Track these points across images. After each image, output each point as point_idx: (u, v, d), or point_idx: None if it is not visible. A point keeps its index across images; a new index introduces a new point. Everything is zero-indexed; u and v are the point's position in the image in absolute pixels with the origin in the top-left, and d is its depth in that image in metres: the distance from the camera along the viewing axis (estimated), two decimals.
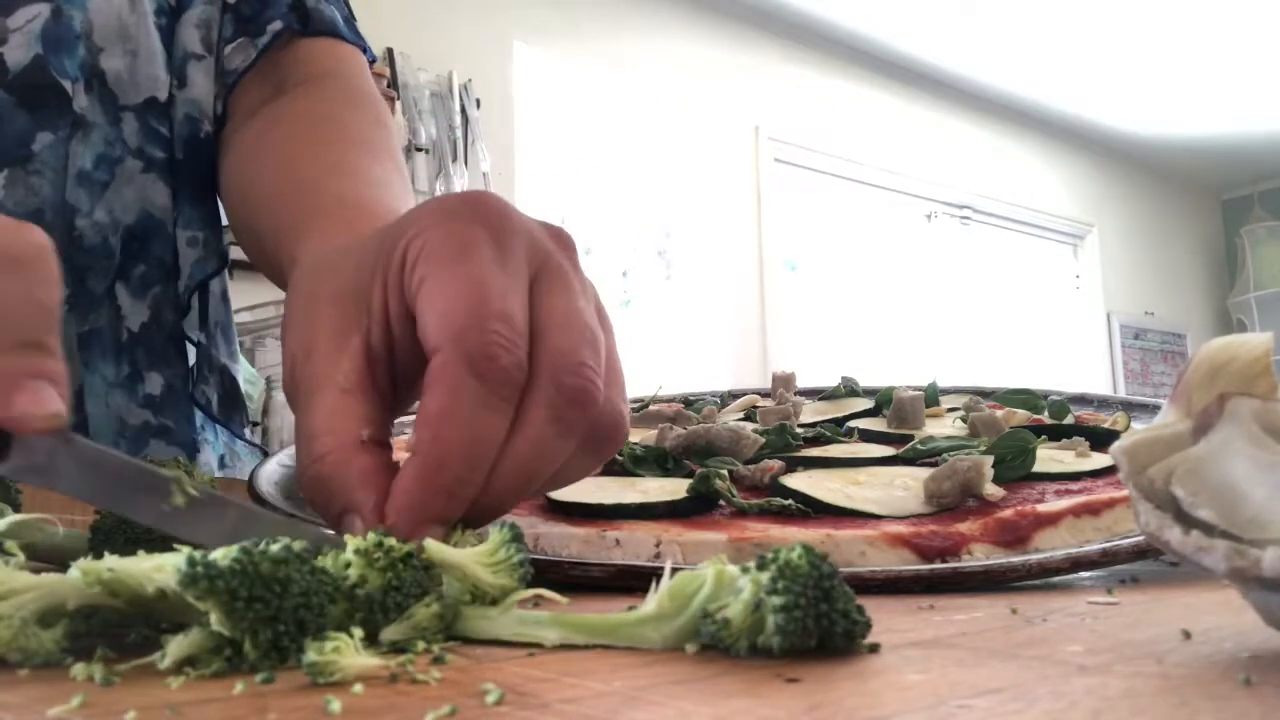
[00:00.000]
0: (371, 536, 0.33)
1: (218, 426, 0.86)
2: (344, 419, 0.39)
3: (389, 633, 0.31)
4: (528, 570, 0.34)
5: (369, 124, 0.76)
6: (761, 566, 0.29)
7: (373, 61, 0.87)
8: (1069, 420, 0.71)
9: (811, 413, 0.77)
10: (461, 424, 0.36)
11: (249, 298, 2.34)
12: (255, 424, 2.63)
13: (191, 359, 0.84)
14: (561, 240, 0.43)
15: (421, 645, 0.31)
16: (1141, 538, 0.45)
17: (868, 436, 0.68)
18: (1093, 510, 0.51)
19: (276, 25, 0.80)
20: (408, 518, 0.36)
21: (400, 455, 0.66)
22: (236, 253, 0.80)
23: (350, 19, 0.87)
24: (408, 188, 0.70)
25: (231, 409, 0.85)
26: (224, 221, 0.83)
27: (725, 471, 0.55)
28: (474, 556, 0.33)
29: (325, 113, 0.76)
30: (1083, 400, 0.82)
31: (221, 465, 0.86)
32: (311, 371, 0.41)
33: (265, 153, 0.74)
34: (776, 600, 0.28)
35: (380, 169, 0.68)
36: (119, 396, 0.78)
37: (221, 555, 0.28)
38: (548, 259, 0.41)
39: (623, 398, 0.42)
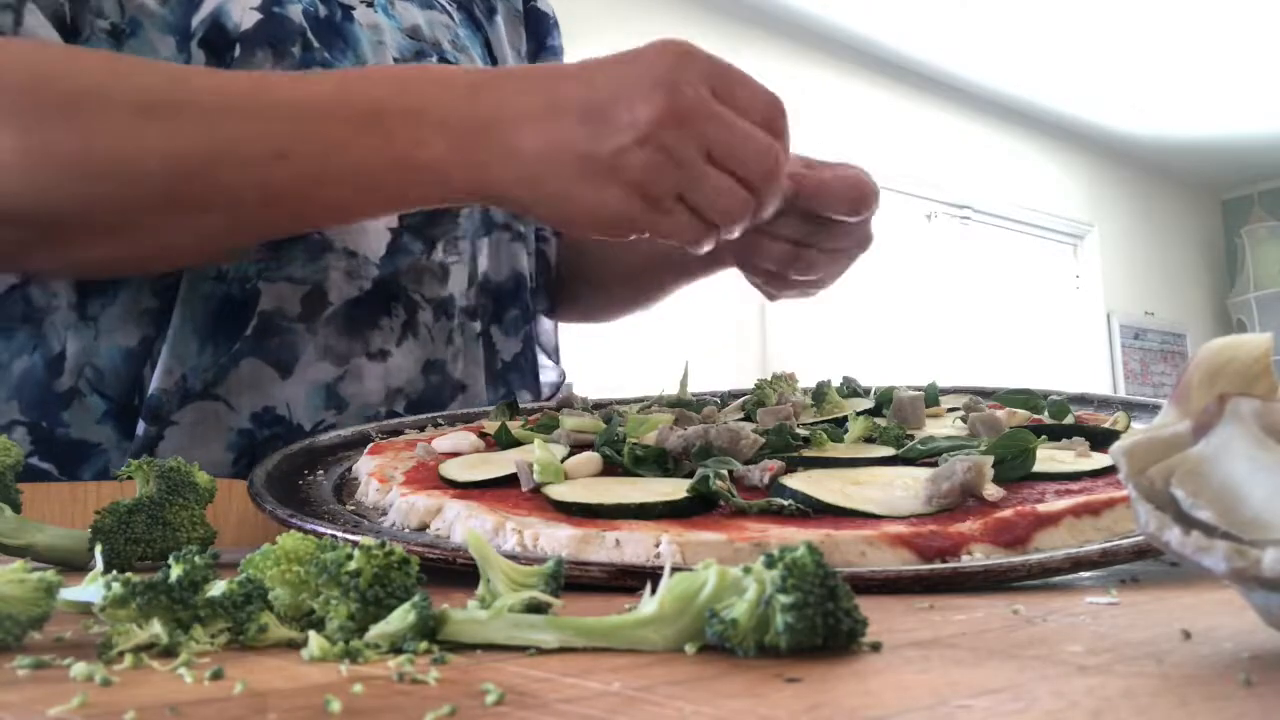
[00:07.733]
0: (375, 540, 0.34)
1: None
2: None
3: (374, 633, 0.31)
4: (557, 575, 0.34)
5: None
6: (769, 565, 0.29)
7: None
8: (1069, 420, 0.71)
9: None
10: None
11: None
12: None
13: (545, 378, 1.05)
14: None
15: (423, 645, 0.30)
16: (1141, 538, 0.45)
17: (868, 437, 0.68)
18: (1093, 510, 0.51)
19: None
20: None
21: (406, 453, 0.67)
22: None
23: None
24: None
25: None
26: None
27: (725, 471, 0.55)
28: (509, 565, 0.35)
29: None
30: (1083, 400, 0.82)
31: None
32: None
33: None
34: (785, 599, 0.28)
35: None
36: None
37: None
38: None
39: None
